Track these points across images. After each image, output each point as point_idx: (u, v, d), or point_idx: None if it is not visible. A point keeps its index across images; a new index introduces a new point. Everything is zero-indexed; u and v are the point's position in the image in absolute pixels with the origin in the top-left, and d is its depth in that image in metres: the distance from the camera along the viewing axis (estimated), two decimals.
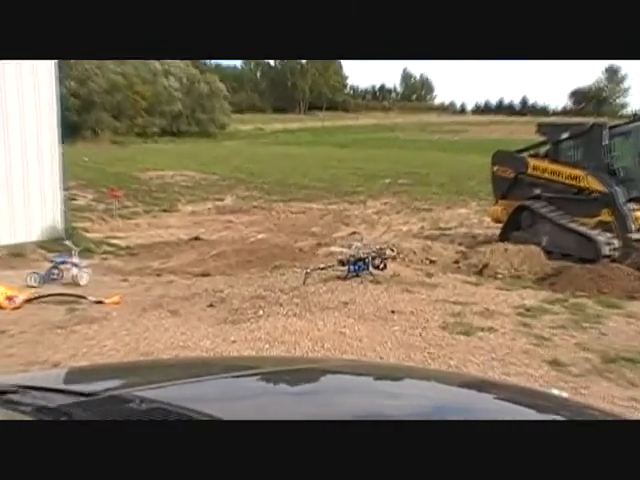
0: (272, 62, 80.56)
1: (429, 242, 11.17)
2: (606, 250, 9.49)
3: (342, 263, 8.40)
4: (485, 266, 9.10)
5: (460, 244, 11.45)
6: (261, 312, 6.73)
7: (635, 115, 26.57)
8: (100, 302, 7.00)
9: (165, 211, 16.13)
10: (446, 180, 23.12)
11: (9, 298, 6.87)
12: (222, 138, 50.96)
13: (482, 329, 6.27)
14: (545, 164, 11.17)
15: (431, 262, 9.73)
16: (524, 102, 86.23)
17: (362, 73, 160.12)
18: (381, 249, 9.57)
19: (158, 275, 8.99)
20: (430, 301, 7.34)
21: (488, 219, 13.32)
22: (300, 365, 1.76)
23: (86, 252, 9.87)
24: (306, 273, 8.11)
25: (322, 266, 8.54)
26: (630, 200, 9.98)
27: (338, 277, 8.34)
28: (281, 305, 7.01)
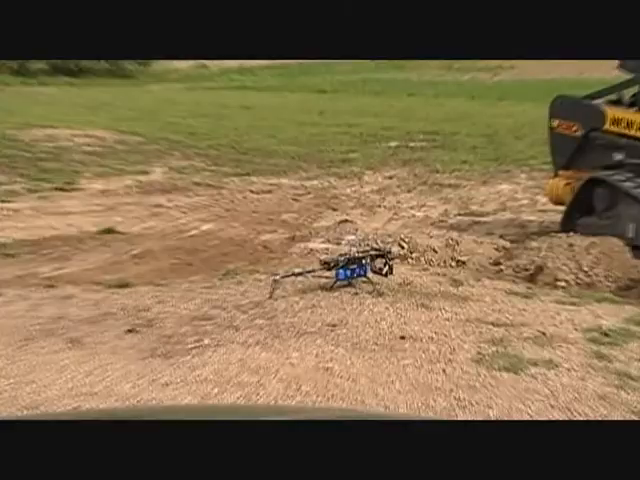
0: None
1: (456, 234, 11.21)
2: None
3: (327, 266, 8.42)
4: (540, 269, 9.15)
5: (502, 237, 11.51)
6: (207, 340, 6.72)
7: None
8: None
9: (60, 190, 15.99)
10: (481, 141, 23.22)
11: None
12: (147, 80, 50.69)
13: (536, 363, 6.30)
14: (631, 115, 11.22)
15: (459, 264, 9.77)
16: None
17: None
18: (385, 245, 9.56)
19: (50, 286, 8.92)
20: (458, 322, 7.37)
21: (544, 199, 13.40)
22: (266, 416, 1.74)
23: None
24: (274, 282, 8.11)
25: (297, 271, 8.54)
26: None
27: (322, 287, 8.35)
28: (237, 329, 7.00)
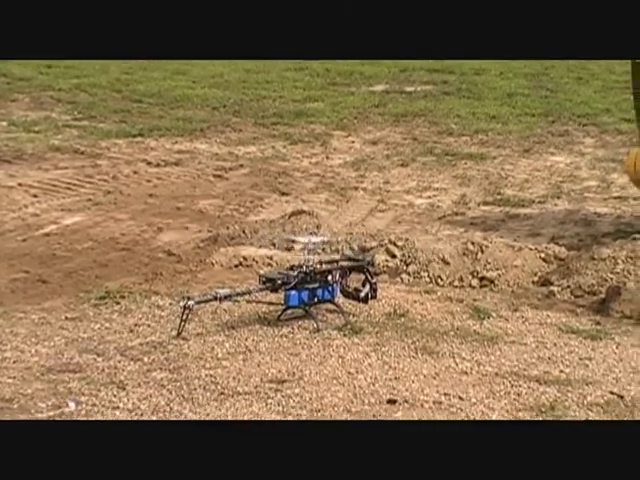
0: None
1: (480, 234, 11.26)
2: None
3: (272, 286, 8.40)
4: (616, 293, 9.21)
5: (554, 239, 11.59)
6: (72, 406, 6.71)
7: None
8: None
9: None
10: (522, 85, 23.35)
11: None
12: None
13: None
14: None
15: (484, 283, 9.82)
16: None
17: None
18: (365, 253, 9.57)
19: None
20: (481, 376, 7.43)
21: (623, 179, 13.50)
22: None
23: None
24: (184, 309, 8.05)
25: (223, 293, 8.49)
26: None
27: (262, 319, 8.34)
28: (123, 388, 6.98)
